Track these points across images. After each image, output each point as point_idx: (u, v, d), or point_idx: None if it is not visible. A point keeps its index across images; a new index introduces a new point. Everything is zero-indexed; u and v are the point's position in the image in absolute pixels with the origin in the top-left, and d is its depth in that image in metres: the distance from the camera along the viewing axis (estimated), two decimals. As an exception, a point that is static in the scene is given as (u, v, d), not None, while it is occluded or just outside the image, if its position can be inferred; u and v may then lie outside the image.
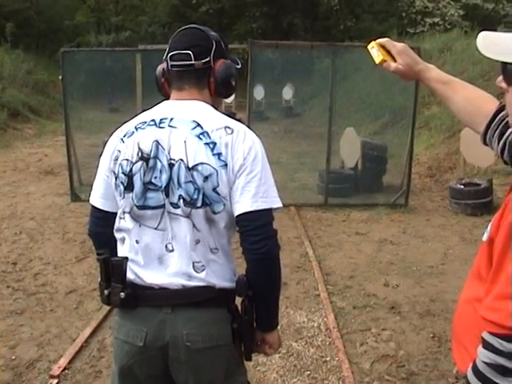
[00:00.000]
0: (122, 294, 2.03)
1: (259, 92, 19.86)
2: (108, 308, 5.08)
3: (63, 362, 4.18)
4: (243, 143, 2.03)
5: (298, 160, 12.56)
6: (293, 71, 16.34)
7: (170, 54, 2.17)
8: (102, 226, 2.26)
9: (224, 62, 2.17)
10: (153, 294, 2.05)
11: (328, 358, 4.40)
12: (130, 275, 2.09)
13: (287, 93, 22.09)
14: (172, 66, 2.16)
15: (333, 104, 9.02)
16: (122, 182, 2.09)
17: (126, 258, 2.08)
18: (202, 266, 2.03)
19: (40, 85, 22.86)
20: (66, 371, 4.12)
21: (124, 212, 2.12)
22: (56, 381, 3.98)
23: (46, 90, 22.58)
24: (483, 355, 1.50)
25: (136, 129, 2.11)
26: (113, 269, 2.07)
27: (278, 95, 21.97)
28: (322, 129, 9.10)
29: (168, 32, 31.56)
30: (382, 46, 2.01)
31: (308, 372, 4.21)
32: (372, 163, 10.14)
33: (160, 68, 2.28)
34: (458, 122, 9.55)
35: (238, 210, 2.01)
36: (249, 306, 2.12)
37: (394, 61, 2.02)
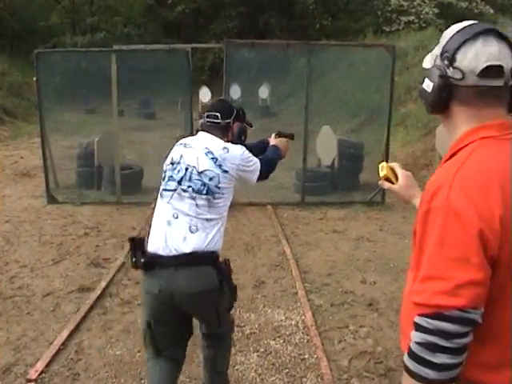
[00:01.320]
0: (142, 260, 3.09)
1: (235, 91, 19.82)
2: (85, 310, 5.09)
3: (40, 365, 4.15)
4: (235, 155, 3.27)
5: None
6: (269, 70, 16.36)
7: (206, 114, 3.45)
8: None
9: (239, 124, 3.52)
10: (163, 259, 3.06)
11: (306, 356, 4.42)
12: (149, 248, 3.13)
13: (263, 92, 22.10)
14: (207, 121, 3.41)
15: (309, 102, 9.04)
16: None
17: (144, 238, 3.23)
18: (196, 229, 3.09)
19: (15, 86, 22.61)
20: (43, 375, 4.09)
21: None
22: (33, 385, 3.95)
23: (20, 91, 22.32)
24: (415, 337, 1.61)
25: (173, 146, 3.44)
26: (136, 244, 3.17)
27: (254, 94, 21.94)
28: (299, 127, 9.11)
29: (144, 32, 31.53)
30: (391, 168, 2.30)
31: (286, 370, 4.22)
32: (348, 161, 10.17)
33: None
34: (434, 119, 9.62)
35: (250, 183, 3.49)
36: (226, 266, 3.31)
37: (396, 180, 2.28)
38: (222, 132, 3.39)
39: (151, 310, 3.20)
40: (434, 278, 1.60)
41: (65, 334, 4.65)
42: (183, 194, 3.16)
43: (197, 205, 3.12)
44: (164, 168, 3.36)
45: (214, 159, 3.18)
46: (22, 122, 19.89)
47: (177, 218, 3.13)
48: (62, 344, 4.50)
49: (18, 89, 22.50)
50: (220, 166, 3.17)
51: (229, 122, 3.42)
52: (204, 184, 3.14)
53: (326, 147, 10.27)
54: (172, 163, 3.30)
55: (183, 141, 3.42)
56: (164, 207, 3.22)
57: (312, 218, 8.51)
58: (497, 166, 1.63)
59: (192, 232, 3.08)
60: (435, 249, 1.61)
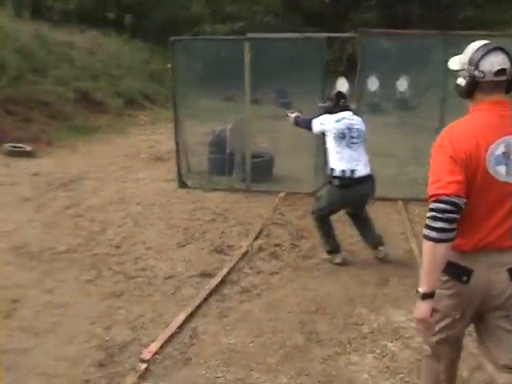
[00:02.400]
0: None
1: (373, 83, 19.41)
2: (204, 296, 5.08)
3: (154, 346, 4.18)
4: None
5: (411, 154, 12.13)
6: (407, 61, 15.81)
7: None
8: None
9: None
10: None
11: (425, 361, 4.17)
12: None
13: (402, 84, 21.47)
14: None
15: (445, 96, 8.62)
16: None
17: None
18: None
19: (156, 74, 23.38)
20: (157, 356, 4.12)
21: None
22: (145, 365, 3.97)
23: (161, 78, 22.97)
24: (427, 215, 2.67)
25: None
26: None
27: (392, 86, 21.38)
28: (435, 122, 8.71)
29: (283, 22, 31.55)
30: None
31: (401, 375, 3.98)
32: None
33: None
34: None
35: None
36: None
37: None
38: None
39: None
40: (434, 181, 2.64)
41: (181, 317, 4.66)
42: (355, 141, 5.88)
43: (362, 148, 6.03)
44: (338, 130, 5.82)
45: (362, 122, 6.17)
46: (161, 108, 20.48)
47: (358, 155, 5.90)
48: (178, 327, 4.52)
49: (158, 76, 23.20)
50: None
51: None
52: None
53: None
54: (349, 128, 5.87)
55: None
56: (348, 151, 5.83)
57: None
58: (476, 124, 2.74)
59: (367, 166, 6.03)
60: (433, 165, 2.70)
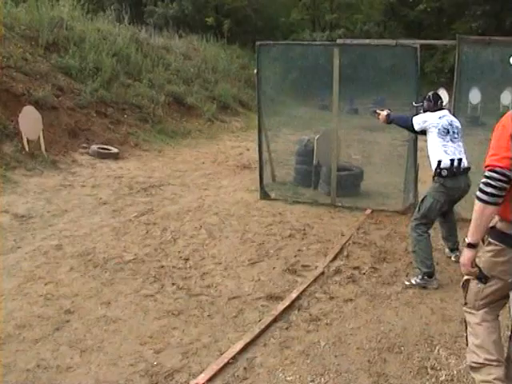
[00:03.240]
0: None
1: (475, 96, 18.54)
2: (267, 323, 4.65)
3: (202, 378, 3.77)
4: None
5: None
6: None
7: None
8: None
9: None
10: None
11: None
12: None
13: (506, 97, 20.39)
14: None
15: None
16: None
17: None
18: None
19: (252, 80, 23.18)
20: (204, 389, 3.72)
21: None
22: (190, 399, 3.58)
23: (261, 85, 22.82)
24: (482, 180, 3.14)
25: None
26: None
27: (495, 99, 20.35)
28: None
29: (383, 31, 30.91)
30: None
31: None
32: None
33: None
34: None
35: None
36: None
37: None
38: None
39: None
40: (492, 154, 3.12)
41: (238, 346, 4.22)
42: (456, 136, 5.96)
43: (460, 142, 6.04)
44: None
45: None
46: (255, 114, 20.21)
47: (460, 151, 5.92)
48: (233, 357, 4.08)
49: (255, 82, 23.03)
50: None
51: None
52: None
53: None
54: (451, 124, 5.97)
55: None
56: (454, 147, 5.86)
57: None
58: None
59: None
60: (494, 141, 3.15)
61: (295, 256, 6.47)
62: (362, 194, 9.51)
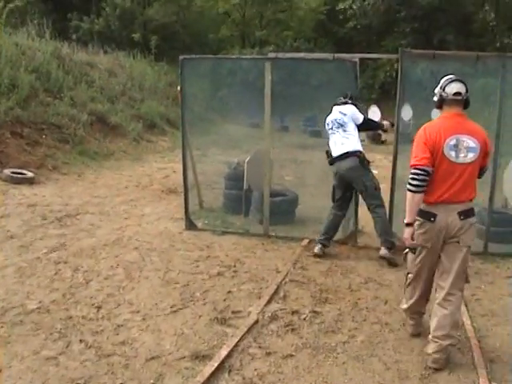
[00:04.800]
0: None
1: (407, 112, 18.15)
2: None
3: None
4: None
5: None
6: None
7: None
8: None
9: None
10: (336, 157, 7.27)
11: None
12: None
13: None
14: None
15: (500, 130, 7.34)
16: None
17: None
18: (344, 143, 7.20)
19: (178, 96, 22.40)
20: None
21: None
22: None
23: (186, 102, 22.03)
24: (409, 177, 4.48)
25: None
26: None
27: (427, 116, 20.05)
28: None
29: (313, 47, 30.66)
30: None
31: None
32: (543, 204, 8.32)
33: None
34: None
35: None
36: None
37: None
38: None
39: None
40: (414, 157, 4.38)
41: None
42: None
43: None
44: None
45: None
46: (183, 132, 19.39)
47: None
48: None
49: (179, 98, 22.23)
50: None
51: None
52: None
53: (515, 185, 8.45)
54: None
55: None
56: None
57: (497, 275, 6.78)
58: (441, 125, 4.44)
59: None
60: (414, 147, 4.43)
61: (224, 300, 5.63)
62: (297, 222, 8.77)
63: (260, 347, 4.62)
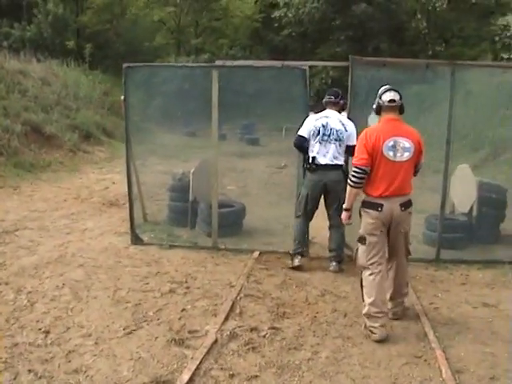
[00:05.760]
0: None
1: (373, 120, 18.28)
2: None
3: None
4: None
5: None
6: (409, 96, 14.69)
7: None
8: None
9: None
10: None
11: None
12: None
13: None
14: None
15: (450, 136, 7.36)
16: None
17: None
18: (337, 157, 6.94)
19: (116, 106, 21.91)
20: None
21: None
22: None
23: (121, 111, 21.58)
24: (350, 174, 5.54)
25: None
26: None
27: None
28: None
29: (249, 55, 30.61)
30: None
31: None
32: (489, 208, 8.38)
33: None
34: None
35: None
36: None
37: None
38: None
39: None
40: (355, 157, 5.22)
41: None
42: (329, 139, 6.90)
43: (336, 146, 6.93)
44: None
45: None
46: (121, 143, 18.89)
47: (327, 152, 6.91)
48: None
49: (118, 109, 21.70)
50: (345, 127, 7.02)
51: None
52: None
53: (463, 190, 8.50)
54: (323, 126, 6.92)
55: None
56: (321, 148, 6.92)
57: (452, 282, 6.76)
58: (380, 129, 5.19)
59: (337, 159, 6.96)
60: (356, 149, 5.30)
61: (179, 318, 5.40)
62: (244, 233, 8.58)
63: (222, 369, 4.42)
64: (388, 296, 5.44)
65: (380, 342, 5.00)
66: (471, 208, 8.38)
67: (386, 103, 5.21)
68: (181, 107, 19.69)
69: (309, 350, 4.83)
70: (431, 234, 7.97)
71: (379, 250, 5.24)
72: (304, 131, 6.98)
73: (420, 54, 29.03)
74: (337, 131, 6.90)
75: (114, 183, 12.76)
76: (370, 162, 5.10)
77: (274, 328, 5.22)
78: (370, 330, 5.09)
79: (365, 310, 5.16)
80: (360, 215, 5.35)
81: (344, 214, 5.52)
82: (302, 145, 6.99)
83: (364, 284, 5.27)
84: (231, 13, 32.68)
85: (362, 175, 5.13)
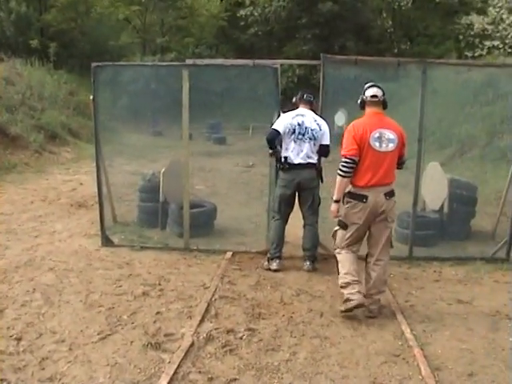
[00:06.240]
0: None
1: (340, 118, 18.26)
2: None
3: None
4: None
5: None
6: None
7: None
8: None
9: None
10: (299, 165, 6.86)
11: None
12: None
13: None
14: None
15: (422, 134, 7.39)
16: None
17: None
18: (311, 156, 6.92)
19: (82, 106, 21.66)
20: None
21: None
22: None
23: (87, 111, 21.19)
24: (339, 164, 5.53)
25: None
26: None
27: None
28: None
29: (215, 54, 30.50)
30: None
31: None
32: (460, 205, 8.43)
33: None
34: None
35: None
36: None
37: None
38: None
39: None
40: (344, 148, 5.44)
41: None
42: (303, 138, 6.86)
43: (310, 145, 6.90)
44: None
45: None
46: (87, 143, 18.68)
47: (302, 150, 6.88)
48: None
49: (84, 109, 21.50)
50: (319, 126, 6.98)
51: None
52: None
53: (434, 188, 8.54)
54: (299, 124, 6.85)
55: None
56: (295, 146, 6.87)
57: (425, 279, 6.78)
58: (366, 121, 5.48)
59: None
60: (344, 140, 5.46)
61: (154, 322, 5.32)
62: (216, 233, 8.52)
63: (200, 372, 4.36)
64: (365, 291, 5.61)
65: (358, 307, 5.46)
66: (442, 205, 8.43)
67: (369, 98, 5.52)
68: (148, 106, 19.56)
69: (287, 350, 4.79)
70: (403, 231, 7.99)
71: (357, 236, 5.63)
72: (279, 126, 6.86)
73: (386, 53, 29.31)
74: (312, 130, 6.86)
75: (81, 184, 12.60)
76: (359, 152, 5.38)
77: (250, 329, 5.17)
78: (347, 298, 5.46)
79: (341, 281, 5.58)
80: (343, 203, 5.60)
81: (334, 206, 5.65)
82: (274, 139, 6.85)
83: (339, 259, 5.69)
84: (197, 11, 32.47)
85: (352, 165, 5.37)
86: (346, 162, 5.37)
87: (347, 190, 5.55)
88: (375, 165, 5.40)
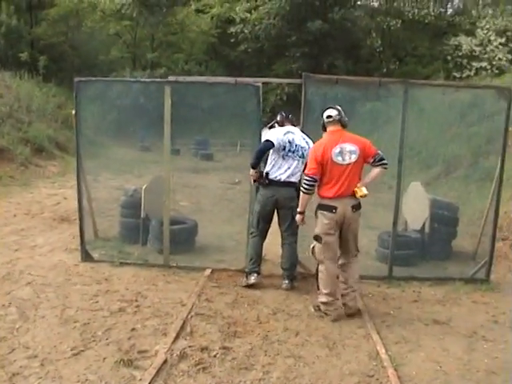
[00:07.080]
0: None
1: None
2: None
3: None
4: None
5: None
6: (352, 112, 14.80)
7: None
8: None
9: None
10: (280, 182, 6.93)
11: None
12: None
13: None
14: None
15: (402, 154, 7.43)
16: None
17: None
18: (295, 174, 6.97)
19: (70, 120, 21.59)
20: None
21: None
22: None
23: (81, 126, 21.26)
24: (303, 181, 6.37)
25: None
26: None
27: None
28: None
29: (205, 70, 30.58)
30: None
31: None
32: (441, 225, 8.47)
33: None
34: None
35: None
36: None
37: None
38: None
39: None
40: (306, 167, 6.18)
41: None
42: (293, 156, 6.92)
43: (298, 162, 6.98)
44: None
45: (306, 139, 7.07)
46: (73, 157, 18.57)
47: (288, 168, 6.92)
48: None
49: (72, 122, 21.49)
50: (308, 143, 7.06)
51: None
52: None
53: (415, 207, 8.58)
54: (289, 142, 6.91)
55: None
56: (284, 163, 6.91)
57: (404, 300, 6.79)
58: (326, 139, 6.10)
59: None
60: (308, 160, 6.23)
61: (129, 338, 5.28)
62: (196, 250, 8.49)
63: (172, 391, 4.33)
64: (340, 291, 6.17)
65: (336, 320, 5.99)
66: (423, 225, 8.46)
67: (326, 119, 6.14)
68: (135, 122, 19.56)
69: (260, 369, 4.77)
70: (384, 250, 8.01)
71: (332, 247, 6.07)
72: (273, 138, 6.89)
73: (374, 72, 29.47)
74: (301, 148, 6.97)
75: (65, 198, 12.54)
76: (320, 171, 5.97)
77: (224, 348, 5.15)
78: (325, 313, 6.07)
79: (322, 299, 6.10)
80: (316, 216, 6.11)
81: (298, 217, 6.27)
82: (267, 150, 6.91)
83: (320, 276, 6.14)
84: (187, 27, 32.57)
85: (313, 183, 5.98)
86: (307, 180, 6.00)
87: (318, 202, 6.11)
88: (340, 177, 5.94)
